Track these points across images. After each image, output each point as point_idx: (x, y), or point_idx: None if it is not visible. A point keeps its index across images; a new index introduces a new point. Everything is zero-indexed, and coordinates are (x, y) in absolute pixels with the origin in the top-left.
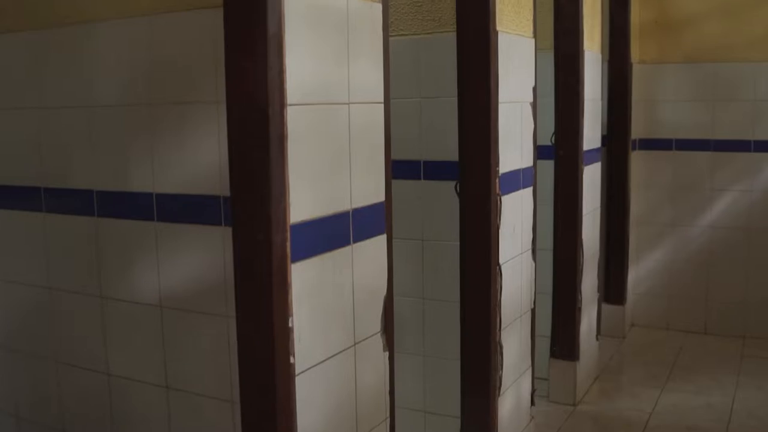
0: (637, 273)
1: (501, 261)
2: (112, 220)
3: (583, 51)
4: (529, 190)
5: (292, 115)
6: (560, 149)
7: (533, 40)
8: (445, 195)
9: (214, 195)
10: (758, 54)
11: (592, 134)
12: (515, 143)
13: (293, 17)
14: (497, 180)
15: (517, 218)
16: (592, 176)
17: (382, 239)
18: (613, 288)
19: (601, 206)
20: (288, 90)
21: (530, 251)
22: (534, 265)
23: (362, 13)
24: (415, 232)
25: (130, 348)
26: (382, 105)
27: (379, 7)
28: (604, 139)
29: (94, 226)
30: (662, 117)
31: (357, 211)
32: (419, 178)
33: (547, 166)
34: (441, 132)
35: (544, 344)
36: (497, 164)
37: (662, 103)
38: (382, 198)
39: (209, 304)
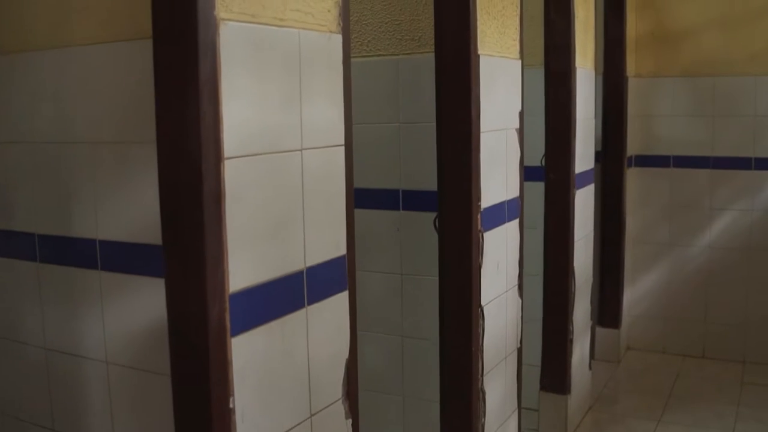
0: (633, 294)
1: (484, 302)
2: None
3: (575, 68)
4: (515, 223)
5: (230, 170)
6: (551, 172)
7: (520, 62)
8: (426, 227)
9: (157, 244)
10: (759, 67)
11: (584, 156)
12: (500, 174)
13: (232, 56)
14: (479, 215)
15: (502, 254)
16: (584, 200)
17: (342, 297)
18: (607, 311)
19: (595, 225)
20: (225, 141)
21: (516, 287)
22: (521, 301)
23: (318, 46)
24: (394, 265)
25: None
26: (343, 147)
27: (338, 38)
28: (599, 156)
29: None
30: (659, 133)
31: (312, 270)
32: (398, 209)
33: (537, 188)
34: (421, 159)
35: (534, 374)
36: (479, 198)
37: (659, 119)
38: (343, 251)
39: (156, 364)
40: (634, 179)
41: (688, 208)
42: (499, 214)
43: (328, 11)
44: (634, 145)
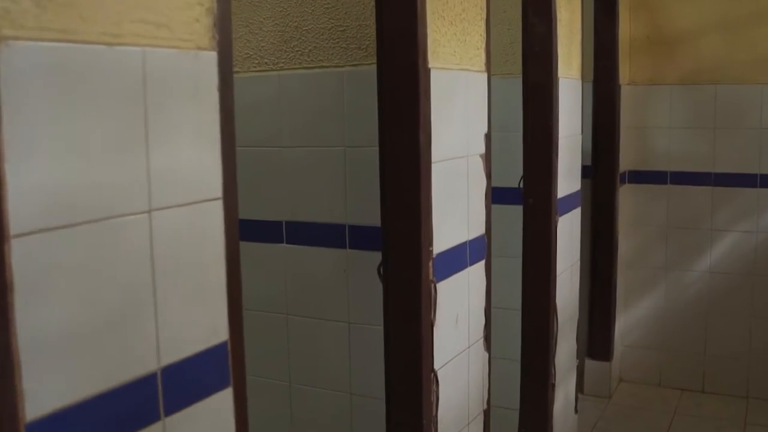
0: (626, 322)
1: (438, 365)
2: None
3: (556, 78)
4: (479, 266)
5: (21, 252)
6: (529, 197)
7: (485, 75)
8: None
9: None
10: (765, 74)
11: (568, 177)
12: (459, 210)
13: (22, 90)
14: (431, 263)
15: (463, 305)
16: (568, 227)
17: (223, 397)
18: (597, 342)
19: (585, 247)
20: (11, 212)
21: (482, 340)
22: (488, 355)
23: (176, 69)
24: (340, 312)
25: None
26: (220, 201)
27: (211, 56)
28: (588, 171)
29: None
30: (655, 146)
31: (171, 369)
32: (344, 247)
33: (516, 212)
34: (372, 189)
35: (513, 418)
36: (430, 242)
37: (655, 131)
38: (223, 336)
39: None
40: (627, 197)
41: (687, 229)
42: (459, 258)
43: (196, 21)
44: (627, 160)
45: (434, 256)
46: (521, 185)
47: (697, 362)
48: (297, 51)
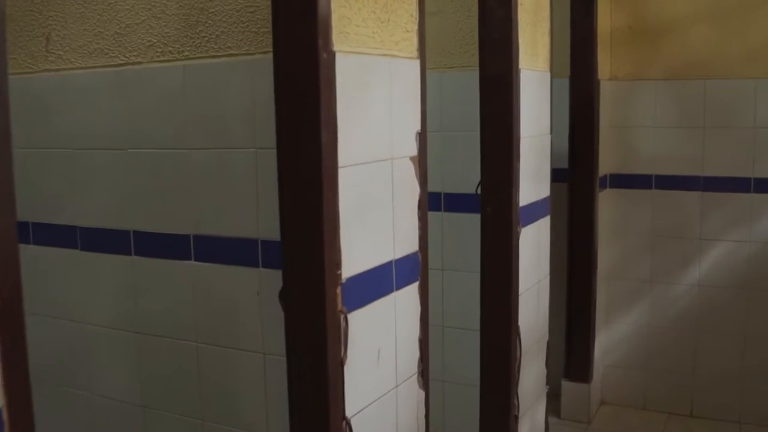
0: (607, 340)
1: (351, 411)
2: None
3: (517, 70)
4: (410, 289)
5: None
6: (487, 205)
7: (417, 62)
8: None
9: None
10: (759, 68)
11: (534, 183)
12: (381, 224)
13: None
14: (339, 289)
15: (387, 337)
16: (535, 238)
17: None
18: (575, 361)
19: (561, 258)
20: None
21: (416, 376)
22: (424, 393)
23: None
24: (254, 342)
25: None
26: None
27: None
28: (565, 174)
29: None
30: (639, 147)
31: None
32: (257, 266)
33: (476, 222)
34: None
35: None
36: (338, 265)
37: (639, 130)
38: None
39: None
40: (608, 203)
41: (674, 238)
42: (381, 281)
43: None
44: (608, 163)
45: (344, 280)
46: (479, 191)
47: (685, 384)
48: (203, 37)
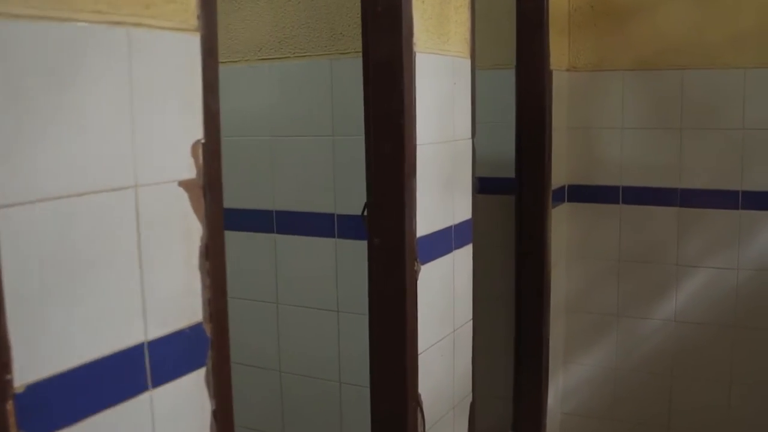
0: (566, 383)
1: None
2: None
3: (412, 53)
4: (181, 384)
5: None
6: (374, 235)
7: (197, 36)
8: None
9: None
10: (748, 56)
11: (444, 203)
12: (112, 291)
13: None
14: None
15: None
16: (445, 276)
17: None
18: (525, 410)
19: (508, 286)
20: None
21: None
22: None
23: None
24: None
25: None
26: None
27: None
28: (512, 185)
29: None
30: (603, 153)
31: None
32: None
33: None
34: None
35: None
36: (7, 368)
37: (603, 132)
38: None
39: None
40: (567, 220)
41: (645, 263)
42: (120, 377)
43: None
44: (566, 172)
45: (21, 388)
46: (365, 214)
47: None
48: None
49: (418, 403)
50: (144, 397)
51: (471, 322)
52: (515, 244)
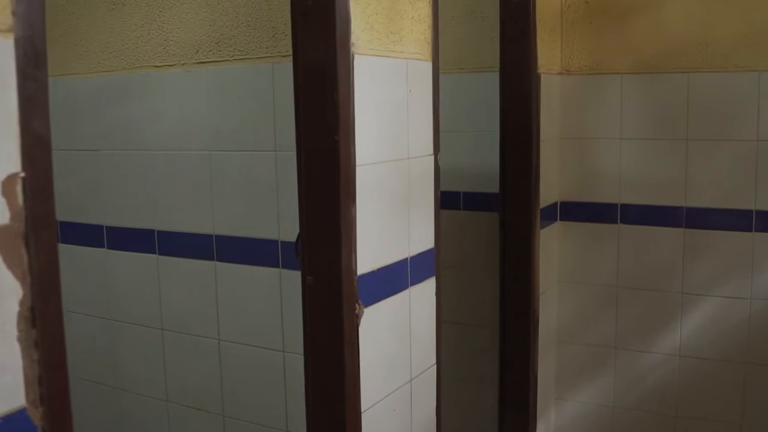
0: (558, 422)
1: None
2: None
3: (350, 57)
4: None
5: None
6: (308, 273)
7: (9, 39)
8: None
9: None
10: (763, 57)
11: (396, 232)
12: None
13: None
14: None
15: None
16: (398, 318)
17: None
18: None
19: (492, 313)
20: None
21: None
22: None
23: None
24: None
25: None
26: None
27: None
28: (496, 202)
29: None
30: (600, 167)
31: None
32: None
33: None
34: None
35: None
36: None
37: (600, 143)
38: None
39: None
40: (559, 241)
41: (647, 291)
42: None
43: None
44: (558, 187)
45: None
46: (297, 248)
47: None
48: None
49: None
50: None
51: (434, 367)
52: (499, 267)
